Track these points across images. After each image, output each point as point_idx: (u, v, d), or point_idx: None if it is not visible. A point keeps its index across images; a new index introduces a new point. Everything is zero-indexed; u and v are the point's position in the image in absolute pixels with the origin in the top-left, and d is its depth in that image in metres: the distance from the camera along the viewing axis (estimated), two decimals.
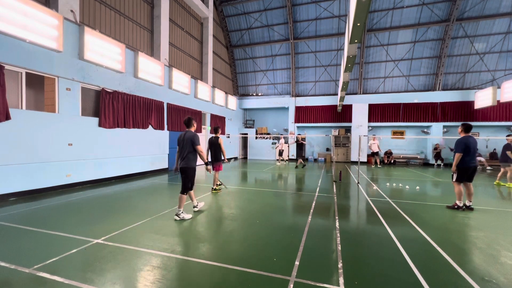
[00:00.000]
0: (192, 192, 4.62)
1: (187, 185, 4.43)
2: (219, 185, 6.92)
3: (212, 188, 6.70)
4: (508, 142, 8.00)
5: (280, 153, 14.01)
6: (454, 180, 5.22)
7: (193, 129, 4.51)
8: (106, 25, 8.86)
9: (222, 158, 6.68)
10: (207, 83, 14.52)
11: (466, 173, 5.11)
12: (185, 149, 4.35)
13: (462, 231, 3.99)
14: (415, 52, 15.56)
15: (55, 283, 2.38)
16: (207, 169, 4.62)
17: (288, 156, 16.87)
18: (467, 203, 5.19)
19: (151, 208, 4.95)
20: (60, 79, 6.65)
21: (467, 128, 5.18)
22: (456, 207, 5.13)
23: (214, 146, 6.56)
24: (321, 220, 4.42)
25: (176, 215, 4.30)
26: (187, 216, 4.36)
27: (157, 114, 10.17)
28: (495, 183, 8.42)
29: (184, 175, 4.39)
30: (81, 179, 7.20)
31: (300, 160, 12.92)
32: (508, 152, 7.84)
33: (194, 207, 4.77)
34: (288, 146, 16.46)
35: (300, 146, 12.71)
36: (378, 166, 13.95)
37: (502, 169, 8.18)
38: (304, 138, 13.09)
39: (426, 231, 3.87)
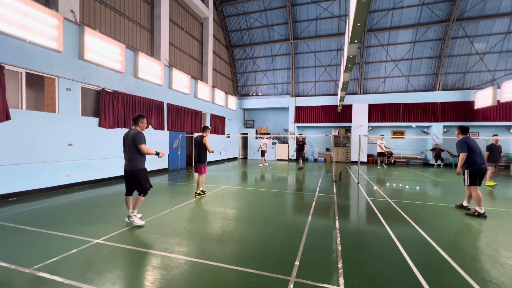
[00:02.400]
0: (141, 199, 4.06)
1: (145, 186, 4.02)
2: (203, 191, 6.18)
3: (196, 192, 6.06)
4: (493, 142, 8.11)
5: (263, 154, 13.58)
6: (467, 184, 4.83)
7: (139, 128, 4.04)
8: (106, 25, 8.86)
9: (219, 155, 6.25)
10: (207, 83, 14.52)
11: (478, 174, 4.75)
12: (129, 150, 3.91)
13: (462, 231, 3.99)
14: (415, 52, 15.57)
15: (55, 283, 2.38)
16: (159, 156, 4.13)
17: (288, 156, 16.88)
18: (465, 204, 5.13)
19: (151, 208, 4.94)
20: (60, 79, 6.65)
21: (464, 130, 5.00)
22: (476, 214, 4.65)
23: (199, 146, 6.03)
24: (321, 220, 4.42)
25: (127, 216, 3.98)
26: (139, 222, 3.96)
27: (157, 114, 10.17)
28: (486, 183, 8.43)
29: (134, 178, 3.97)
30: (81, 179, 7.20)
31: (301, 161, 12.83)
32: (487, 153, 8.01)
33: (128, 216, 3.99)
34: (288, 147, 16.47)
35: (300, 147, 12.61)
36: (378, 166, 13.89)
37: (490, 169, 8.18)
38: (305, 139, 12.75)
39: (426, 231, 3.87)
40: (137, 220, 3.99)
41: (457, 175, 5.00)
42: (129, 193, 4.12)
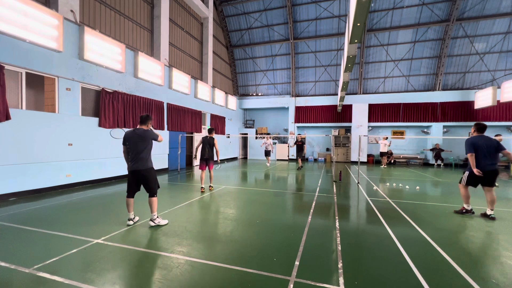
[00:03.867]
0: (155, 199, 4.03)
1: (155, 187, 4.04)
2: (212, 186, 7.05)
3: (210, 186, 6.95)
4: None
5: (267, 154, 13.51)
6: (461, 182, 4.78)
7: (145, 127, 4.03)
8: (106, 25, 8.86)
9: (215, 159, 6.92)
10: (207, 83, 14.52)
11: (478, 178, 4.54)
12: (139, 148, 3.89)
13: (462, 231, 3.99)
14: (415, 52, 15.57)
15: (55, 283, 2.38)
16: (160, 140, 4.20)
17: (288, 156, 16.88)
18: (488, 212, 4.57)
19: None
20: (60, 79, 6.65)
21: (480, 129, 4.67)
22: (464, 211, 4.74)
23: (209, 145, 6.73)
24: (321, 220, 4.42)
25: (151, 220, 3.96)
26: (163, 221, 4.05)
27: (157, 114, 10.16)
28: None
29: (146, 178, 3.95)
30: (81, 179, 7.20)
31: (299, 160, 12.80)
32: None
33: (151, 220, 3.97)
34: (288, 147, 16.47)
35: (299, 146, 12.58)
36: (384, 166, 13.87)
37: None
38: (304, 139, 12.81)
39: (426, 231, 3.87)
40: (162, 221, 4.05)
41: (479, 174, 4.46)
42: (132, 195, 4.03)
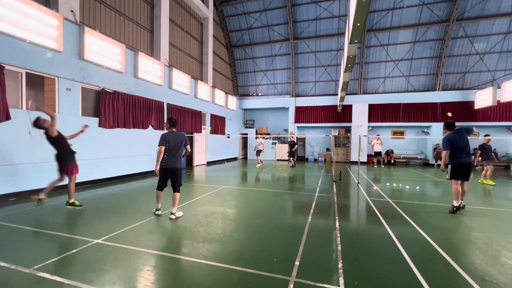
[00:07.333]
0: (179, 195, 4.54)
1: (180, 182, 4.61)
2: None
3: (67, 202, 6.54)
4: (485, 141, 8.44)
5: (258, 153, 13.57)
6: (448, 177, 4.99)
7: (175, 130, 4.67)
8: (106, 25, 8.86)
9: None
10: (207, 83, 14.52)
11: (460, 169, 4.84)
12: (178, 149, 4.49)
13: (462, 231, 3.99)
14: (415, 52, 15.56)
15: (55, 283, 2.38)
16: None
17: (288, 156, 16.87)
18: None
19: (151, 208, 4.94)
20: (60, 79, 6.65)
21: (449, 126, 5.06)
22: (454, 209, 4.83)
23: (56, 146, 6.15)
24: (321, 220, 4.42)
25: (171, 214, 4.37)
26: (180, 213, 4.52)
27: (157, 114, 10.16)
28: (486, 182, 8.52)
29: (177, 175, 4.50)
30: (81, 179, 7.17)
31: (291, 159, 12.88)
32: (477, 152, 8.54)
33: (172, 213, 4.41)
34: (288, 147, 16.46)
35: (291, 146, 12.73)
36: (381, 166, 13.87)
37: (486, 167, 8.50)
38: (294, 137, 13.17)
39: (426, 231, 3.87)
40: (179, 213, 4.49)
41: (441, 171, 5.07)
42: (162, 189, 4.53)
